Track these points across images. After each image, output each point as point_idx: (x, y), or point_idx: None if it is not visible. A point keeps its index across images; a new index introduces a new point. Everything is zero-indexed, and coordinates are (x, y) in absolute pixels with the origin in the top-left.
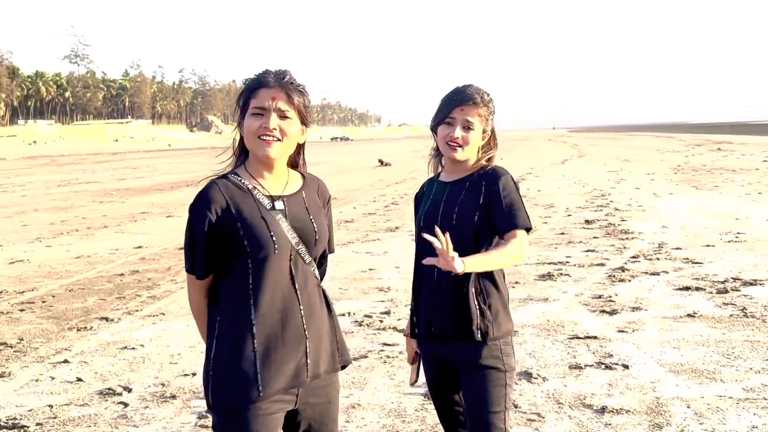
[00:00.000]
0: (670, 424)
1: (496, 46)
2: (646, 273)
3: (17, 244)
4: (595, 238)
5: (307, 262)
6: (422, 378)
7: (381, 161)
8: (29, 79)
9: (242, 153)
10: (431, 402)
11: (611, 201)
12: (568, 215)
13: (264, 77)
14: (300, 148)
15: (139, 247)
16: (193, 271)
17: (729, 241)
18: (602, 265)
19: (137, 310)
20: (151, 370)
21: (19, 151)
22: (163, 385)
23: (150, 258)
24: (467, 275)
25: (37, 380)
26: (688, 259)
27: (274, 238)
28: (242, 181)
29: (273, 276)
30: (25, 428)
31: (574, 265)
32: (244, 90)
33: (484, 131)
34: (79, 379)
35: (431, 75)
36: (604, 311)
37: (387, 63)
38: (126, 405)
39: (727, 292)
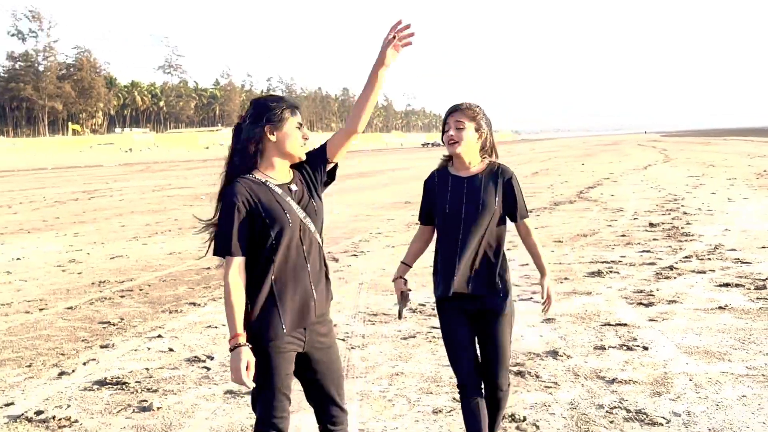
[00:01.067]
0: (668, 391)
1: (585, 52)
2: (694, 271)
3: (117, 242)
4: (654, 240)
5: (312, 231)
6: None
7: None
8: (125, 89)
9: (255, 156)
10: None
11: (682, 206)
12: (635, 219)
13: (297, 102)
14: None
15: None
16: (231, 251)
17: None
18: (653, 264)
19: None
20: None
21: (116, 158)
22: None
23: None
24: (484, 250)
25: (135, 350)
26: (738, 259)
27: (287, 215)
28: (256, 177)
29: (288, 242)
30: (126, 384)
31: (626, 264)
32: (286, 108)
33: (477, 130)
34: (171, 350)
35: (516, 81)
36: (641, 303)
37: (472, 68)
38: (209, 369)
39: (764, 288)
